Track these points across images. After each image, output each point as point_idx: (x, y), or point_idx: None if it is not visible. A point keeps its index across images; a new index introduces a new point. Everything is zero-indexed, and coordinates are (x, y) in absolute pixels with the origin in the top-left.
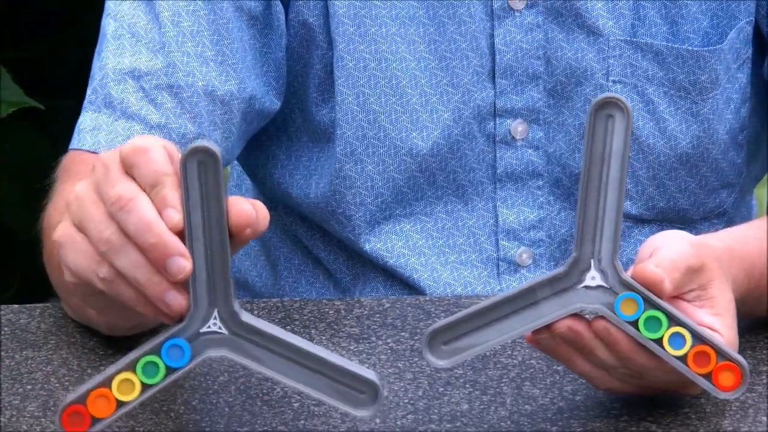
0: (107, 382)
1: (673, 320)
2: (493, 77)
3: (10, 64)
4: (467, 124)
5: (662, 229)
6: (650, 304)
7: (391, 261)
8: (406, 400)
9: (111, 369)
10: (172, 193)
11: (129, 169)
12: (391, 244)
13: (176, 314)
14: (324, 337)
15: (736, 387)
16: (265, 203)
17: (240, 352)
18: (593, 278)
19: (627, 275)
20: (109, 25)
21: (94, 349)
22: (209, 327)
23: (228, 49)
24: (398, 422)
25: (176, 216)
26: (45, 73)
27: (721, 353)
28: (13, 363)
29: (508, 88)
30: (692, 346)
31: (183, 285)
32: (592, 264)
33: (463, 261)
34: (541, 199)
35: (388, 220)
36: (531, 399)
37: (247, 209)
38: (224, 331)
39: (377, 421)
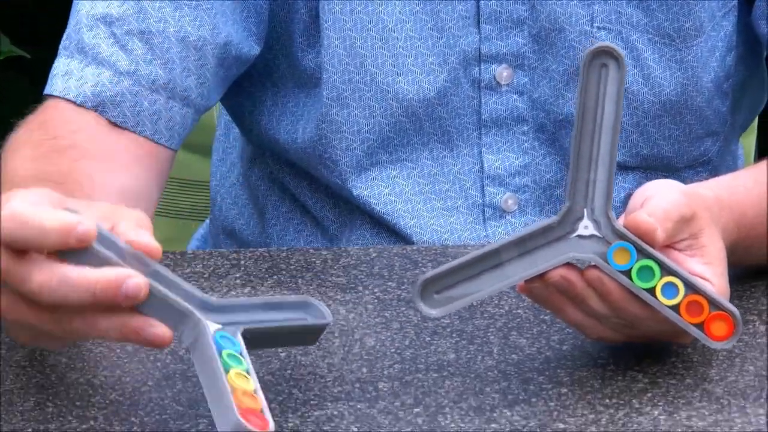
0: None
1: (666, 270)
2: (478, 22)
3: None
4: (453, 69)
5: (646, 177)
6: (643, 253)
7: (378, 207)
8: (393, 350)
9: None
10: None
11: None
12: (378, 190)
13: (133, 297)
14: (311, 287)
15: (728, 337)
16: (253, 150)
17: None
18: (586, 227)
19: (620, 224)
20: None
21: None
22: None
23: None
24: (385, 372)
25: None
26: (31, 23)
27: (713, 303)
28: None
29: (493, 34)
30: (685, 296)
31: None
32: (585, 213)
33: (449, 207)
34: (526, 144)
35: (375, 166)
36: (518, 348)
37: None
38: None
39: (364, 370)
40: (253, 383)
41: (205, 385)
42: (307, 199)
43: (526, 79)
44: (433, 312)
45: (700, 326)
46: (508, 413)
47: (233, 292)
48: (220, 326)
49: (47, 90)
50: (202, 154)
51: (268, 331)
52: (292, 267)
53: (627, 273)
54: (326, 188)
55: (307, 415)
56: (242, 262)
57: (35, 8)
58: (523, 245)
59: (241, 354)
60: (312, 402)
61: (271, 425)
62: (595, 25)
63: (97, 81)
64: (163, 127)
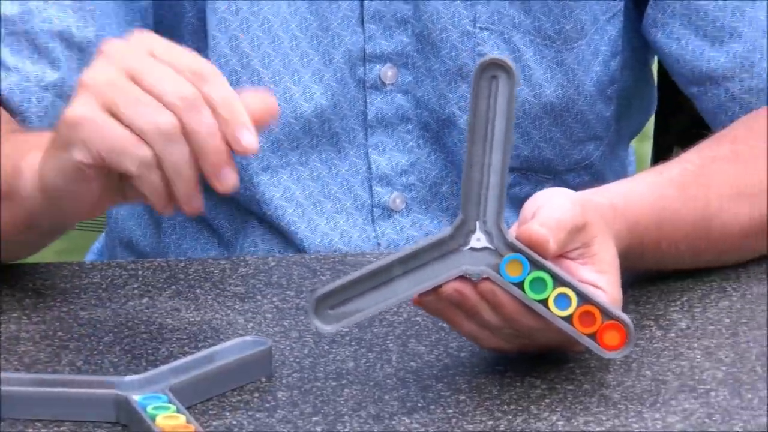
0: None
1: (559, 281)
2: (362, 22)
3: None
4: (339, 70)
5: (526, 178)
6: (535, 265)
7: (269, 212)
8: (292, 359)
9: None
10: (244, 114)
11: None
12: (269, 195)
13: (227, 189)
14: (209, 297)
15: (621, 346)
16: None
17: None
18: (479, 240)
19: (512, 236)
20: None
21: None
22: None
23: None
24: (284, 380)
25: (252, 140)
26: None
27: (606, 313)
28: None
29: (377, 33)
30: (578, 307)
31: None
32: (478, 226)
33: (339, 209)
34: (411, 143)
35: (266, 171)
36: (417, 356)
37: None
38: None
39: (263, 379)
40: (183, 417)
41: None
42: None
43: (410, 78)
44: (327, 328)
45: (593, 336)
46: (407, 420)
47: (131, 303)
48: (141, 395)
49: None
50: None
51: (200, 378)
52: (190, 277)
53: (520, 285)
54: (219, 195)
55: (206, 425)
56: (140, 272)
57: None
58: (417, 259)
59: (169, 401)
60: (211, 412)
61: None
62: (478, 25)
63: None
64: (49, 125)
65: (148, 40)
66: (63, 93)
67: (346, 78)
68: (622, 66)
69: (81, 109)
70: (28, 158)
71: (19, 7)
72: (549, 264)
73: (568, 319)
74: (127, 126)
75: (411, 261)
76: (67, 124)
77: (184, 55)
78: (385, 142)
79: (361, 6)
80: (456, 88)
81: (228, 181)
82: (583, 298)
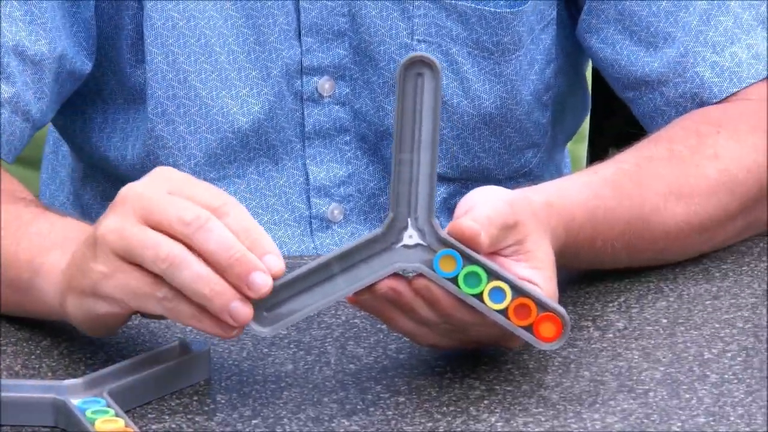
0: None
1: (492, 275)
2: (299, 35)
3: None
4: (276, 83)
5: (466, 188)
6: (469, 259)
7: None
8: (231, 362)
9: None
10: (268, 239)
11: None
12: None
13: (241, 324)
14: None
15: (557, 337)
16: (84, 168)
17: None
18: (411, 237)
19: (444, 233)
20: None
21: None
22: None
23: (36, 8)
24: (222, 384)
25: (279, 263)
26: None
27: (541, 305)
28: None
29: (314, 46)
30: (512, 299)
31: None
32: (409, 223)
33: (277, 221)
34: (349, 154)
35: None
36: (355, 358)
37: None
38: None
39: (201, 383)
40: (122, 421)
41: None
42: None
43: (347, 90)
44: (264, 330)
45: (528, 328)
46: (347, 423)
47: None
48: (80, 399)
49: None
50: (33, 168)
51: (138, 381)
52: None
53: (454, 280)
54: None
55: (145, 428)
56: None
57: None
58: (350, 258)
59: (108, 405)
60: (150, 415)
61: None
62: (415, 38)
63: None
64: (4, 141)
65: (166, 176)
66: (18, 108)
67: (284, 91)
68: (556, 72)
69: (98, 269)
70: (49, 258)
71: None
72: (482, 258)
73: (504, 312)
74: (145, 270)
75: (345, 260)
76: (92, 277)
77: (202, 189)
78: (322, 153)
79: (298, 20)
80: (393, 100)
81: (239, 316)
82: (518, 290)
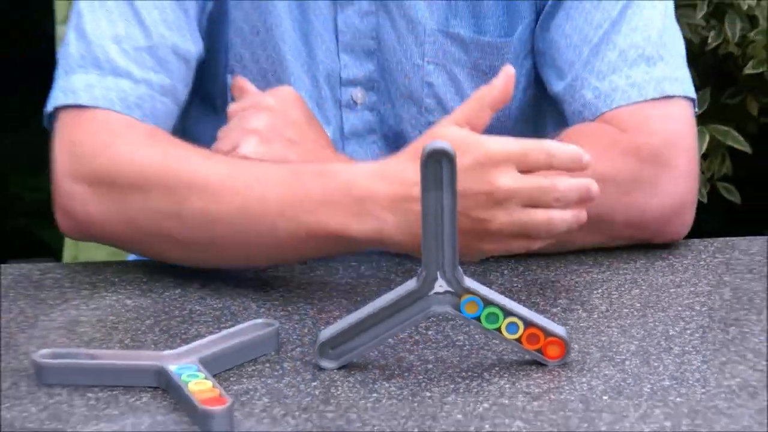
0: None
1: (507, 312)
2: (338, 52)
3: None
4: (322, 90)
5: None
6: (487, 302)
7: None
8: (295, 337)
9: None
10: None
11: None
12: None
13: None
14: (229, 287)
15: (562, 356)
16: None
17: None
18: (441, 286)
19: (468, 282)
20: (82, 3)
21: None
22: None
23: (184, 16)
24: (288, 354)
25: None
26: None
27: (547, 332)
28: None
29: (350, 63)
30: (524, 330)
31: None
32: (439, 275)
33: None
34: (377, 151)
35: None
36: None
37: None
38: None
39: (271, 353)
40: (209, 382)
41: (178, 400)
42: None
43: (375, 99)
44: (330, 365)
45: (539, 351)
46: (387, 384)
47: (167, 293)
48: (177, 365)
49: (65, 101)
50: None
51: (223, 352)
52: (213, 272)
53: (477, 319)
54: None
55: (228, 389)
56: (173, 268)
57: None
58: (394, 306)
59: (199, 371)
60: (231, 378)
61: (229, 400)
62: (426, 59)
63: (118, 89)
64: (168, 126)
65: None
66: (175, 97)
67: (328, 98)
68: (535, 91)
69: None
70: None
71: (138, 27)
72: (499, 299)
73: (518, 340)
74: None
75: (389, 309)
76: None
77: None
78: (357, 150)
79: (336, 40)
80: (408, 109)
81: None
82: (528, 323)
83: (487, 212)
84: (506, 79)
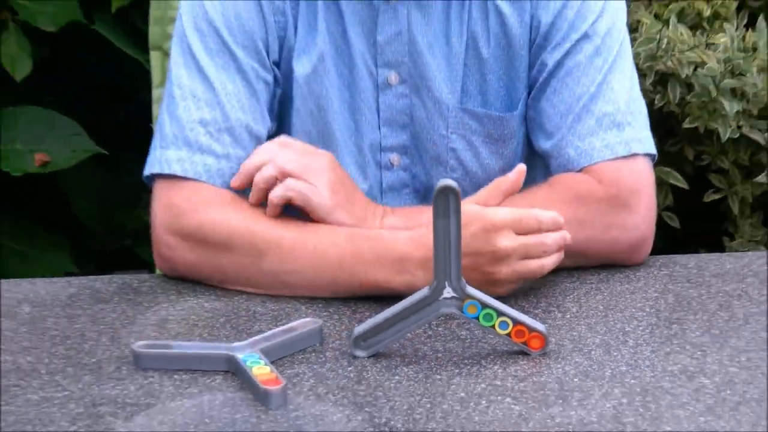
0: None
1: (500, 313)
2: (379, 126)
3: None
4: (365, 155)
5: None
6: (484, 305)
7: None
8: (335, 332)
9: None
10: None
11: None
12: None
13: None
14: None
15: (542, 347)
16: None
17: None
18: (448, 293)
19: (469, 289)
20: (175, 91)
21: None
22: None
23: (257, 101)
24: (330, 345)
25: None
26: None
27: (530, 328)
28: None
29: (388, 134)
30: (513, 326)
31: None
32: (446, 284)
33: None
34: (409, 201)
35: None
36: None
37: None
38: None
39: (316, 345)
40: (268, 368)
41: (244, 381)
42: None
43: (408, 161)
44: (362, 354)
45: (525, 343)
46: (406, 369)
47: (236, 297)
48: (243, 354)
49: (158, 170)
50: None
51: (279, 344)
52: None
53: (476, 318)
54: None
55: (282, 372)
56: None
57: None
58: (412, 308)
59: (260, 359)
60: (286, 364)
61: (283, 382)
62: (449, 130)
63: (203, 163)
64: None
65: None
66: None
67: (370, 161)
68: (530, 149)
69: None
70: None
71: (219, 112)
72: (493, 303)
73: (509, 335)
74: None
75: (408, 310)
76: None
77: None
78: (393, 202)
79: (378, 116)
80: (435, 169)
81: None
82: (516, 321)
83: (493, 267)
84: (518, 173)
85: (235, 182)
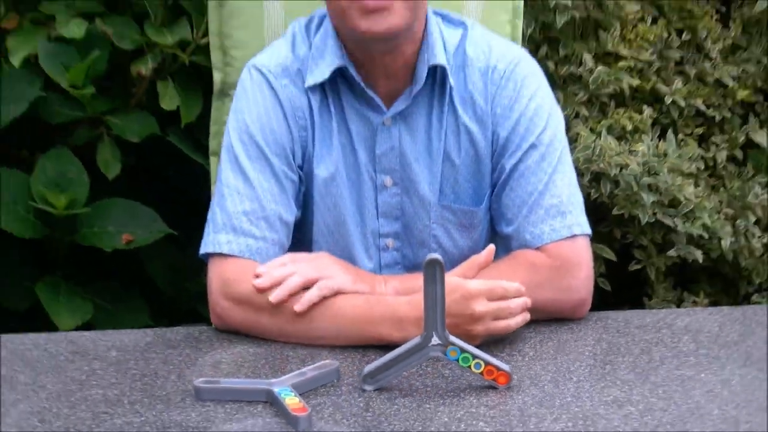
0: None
1: (474, 356)
2: (378, 217)
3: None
4: (368, 240)
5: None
6: (463, 350)
7: None
8: (350, 371)
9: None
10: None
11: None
12: None
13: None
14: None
15: (507, 382)
16: None
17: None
18: (435, 340)
19: (452, 338)
20: (224, 189)
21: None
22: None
23: (286, 196)
24: (345, 381)
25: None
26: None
27: (497, 368)
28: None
29: (385, 224)
30: (484, 366)
31: None
32: (434, 334)
33: None
34: (400, 274)
35: None
36: (417, 368)
37: None
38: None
39: (334, 381)
40: (297, 399)
41: (279, 409)
42: None
43: (400, 244)
44: (370, 387)
45: (494, 380)
46: (404, 395)
47: (273, 345)
48: (278, 388)
49: (212, 249)
50: None
51: (306, 380)
52: None
53: (457, 361)
54: None
55: (309, 403)
56: None
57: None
58: (408, 353)
59: (291, 391)
60: (311, 396)
61: (309, 409)
62: (431, 221)
63: (246, 244)
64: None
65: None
66: (282, 247)
67: (372, 245)
68: (492, 232)
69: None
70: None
71: (258, 204)
72: (470, 348)
73: (481, 373)
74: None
75: (405, 354)
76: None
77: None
78: (389, 273)
79: (377, 211)
80: (421, 249)
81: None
82: (486, 362)
83: (470, 326)
84: (489, 252)
85: (264, 285)
